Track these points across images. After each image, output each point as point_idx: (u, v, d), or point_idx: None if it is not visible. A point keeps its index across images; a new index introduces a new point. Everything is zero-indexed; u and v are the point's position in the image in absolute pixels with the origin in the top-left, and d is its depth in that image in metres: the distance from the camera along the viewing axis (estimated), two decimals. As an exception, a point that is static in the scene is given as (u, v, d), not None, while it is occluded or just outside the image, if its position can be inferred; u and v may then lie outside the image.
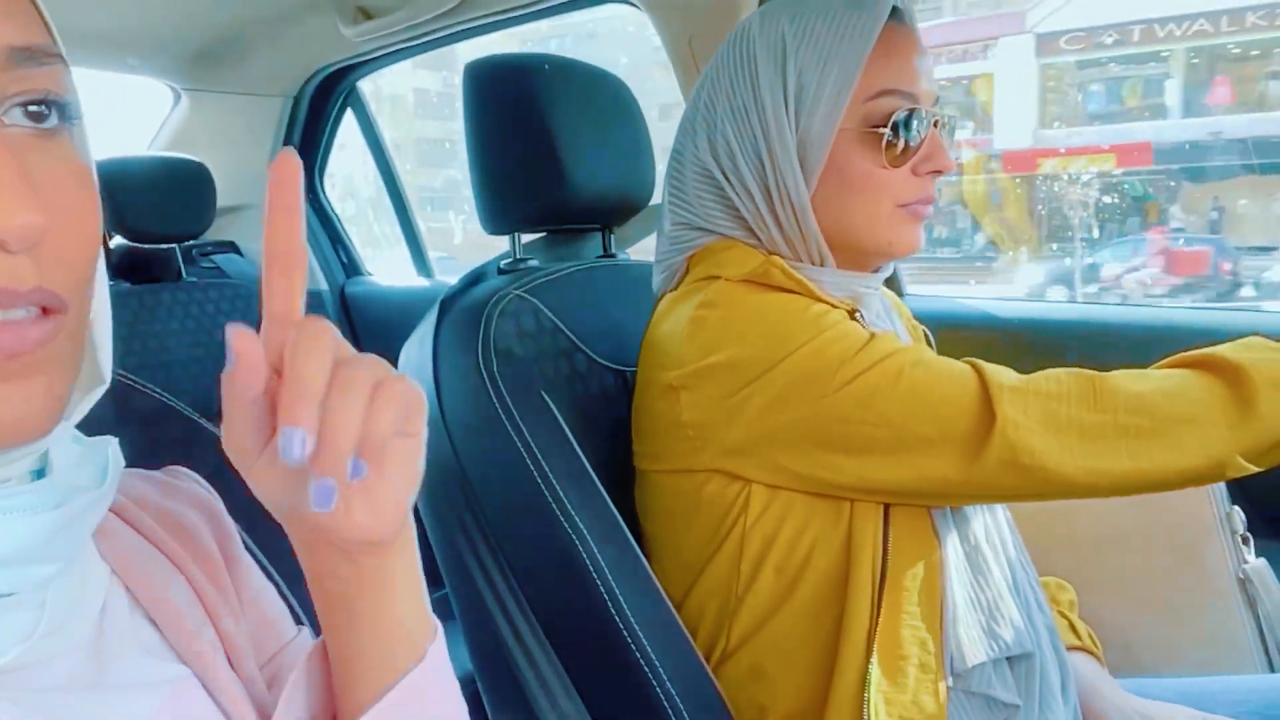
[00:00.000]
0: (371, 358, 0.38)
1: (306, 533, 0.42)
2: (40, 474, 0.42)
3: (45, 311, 0.37)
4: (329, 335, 0.36)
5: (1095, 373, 0.77)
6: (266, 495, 0.40)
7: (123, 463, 0.46)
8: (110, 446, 0.46)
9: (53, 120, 0.38)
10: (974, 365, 0.78)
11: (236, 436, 0.38)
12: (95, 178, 0.45)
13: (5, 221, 0.34)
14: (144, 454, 0.58)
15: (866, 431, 0.76)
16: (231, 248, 2.25)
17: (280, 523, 0.42)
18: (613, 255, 1.20)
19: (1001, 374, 0.76)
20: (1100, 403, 0.75)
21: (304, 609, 0.67)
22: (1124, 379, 0.76)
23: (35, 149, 0.37)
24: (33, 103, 0.38)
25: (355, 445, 0.36)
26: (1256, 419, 0.74)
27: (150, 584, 0.46)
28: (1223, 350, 0.77)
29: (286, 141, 2.13)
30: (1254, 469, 0.76)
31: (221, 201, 1.97)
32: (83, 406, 0.44)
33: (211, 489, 0.57)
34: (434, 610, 0.49)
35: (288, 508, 0.40)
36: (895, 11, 0.84)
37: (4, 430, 0.36)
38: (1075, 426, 0.74)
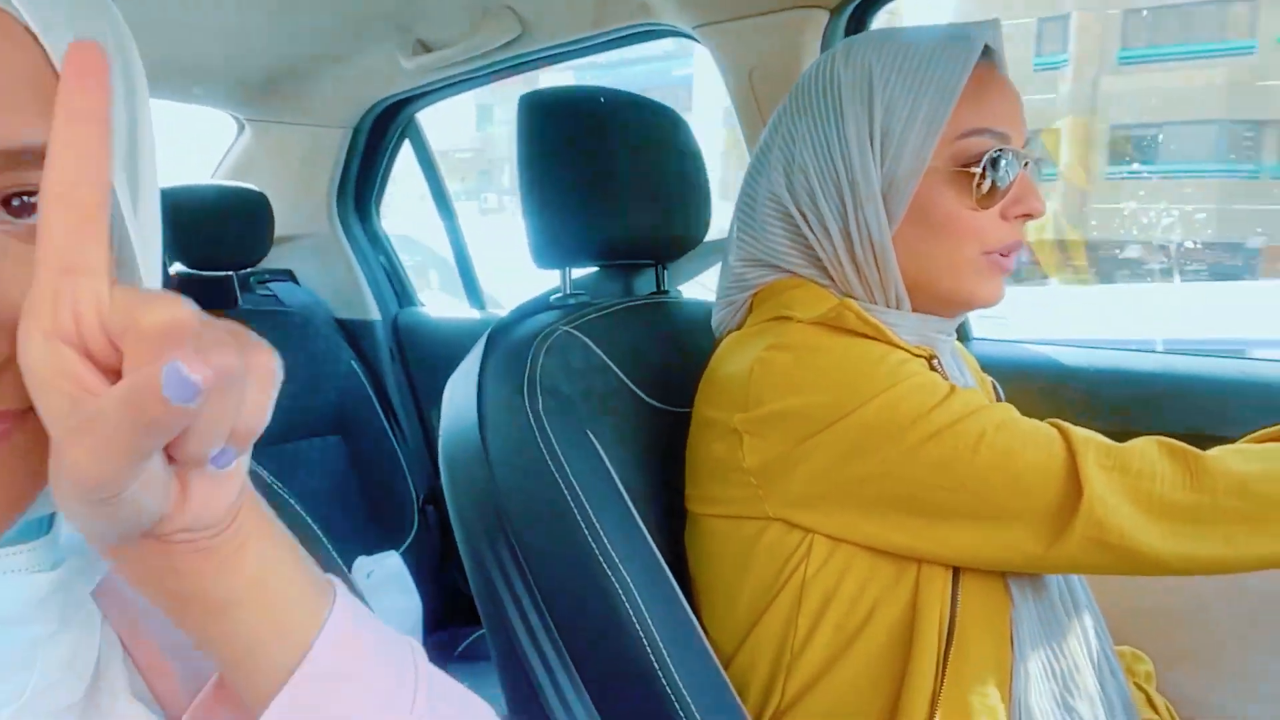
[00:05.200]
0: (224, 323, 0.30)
1: (134, 541, 0.32)
2: (49, 521, 0.40)
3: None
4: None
5: (1191, 449, 0.71)
6: (88, 475, 0.28)
7: None
8: None
9: (36, 216, 0.33)
10: (1061, 430, 0.72)
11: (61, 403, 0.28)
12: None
13: None
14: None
15: (942, 497, 0.72)
16: (288, 276, 2.27)
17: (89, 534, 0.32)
18: (665, 292, 1.17)
19: (1090, 444, 0.71)
20: (1197, 484, 0.69)
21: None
22: (1223, 458, 0.71)
23: (10, 252, 0.33)
24: (11, 197, 0.33)
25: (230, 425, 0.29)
26: None
27: (144, 634, 0.44)
28: None
29: (345, 172, 2.15)
30: None
31: (279, 231, 1.99)
32: None
33: None
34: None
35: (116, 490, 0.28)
36: (986, 49, 0.80)
37: None
38: (1168, 508, 0.69)
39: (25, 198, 0.33)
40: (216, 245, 1.88)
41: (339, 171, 2.14)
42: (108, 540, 0.31)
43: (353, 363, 2.09)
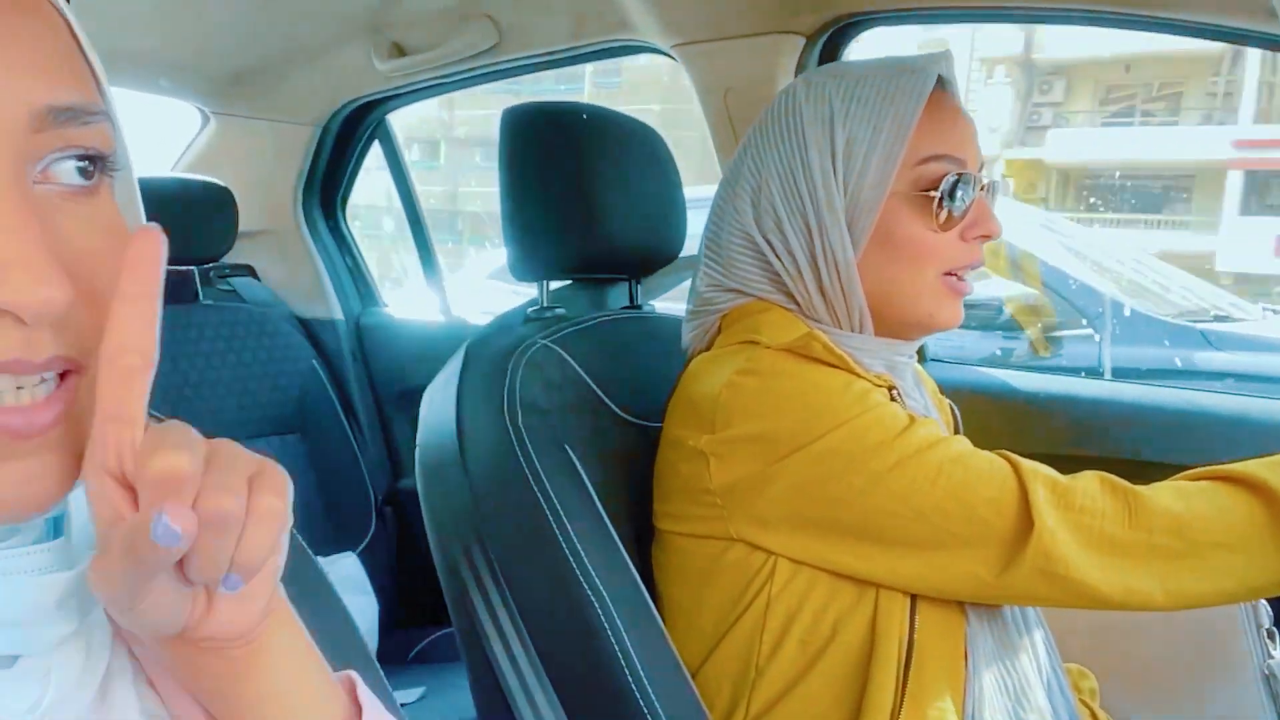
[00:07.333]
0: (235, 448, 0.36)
1: (164, 637, 0.38)
2: (59, 520, 0.41)
3: (63, 375, 0.36)
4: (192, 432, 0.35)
5: (1131, 487, 0.75)
6: (114, 596, 0.34)
7: None
8: None
9: (93, 179, 0.37)
10: (1012, 464, 0.76)
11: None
12: (142, 215, 0.44)
13: (23, 297, 0.32)
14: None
15: (900, 526, 0.75)
16: (249, 272, 2.25)
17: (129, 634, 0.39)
18: (638, 306, 1.19)
19: (1039, 477, 0.75)
20: (1135, 521, 0.73)
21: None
22: (1160, 496, 0.75)
23: (66, 210, 0.36)
24: (70, 158, 0.36)
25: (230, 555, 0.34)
26: None
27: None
28: (1264, 472, 0.75)
29: (312, 169, 2.13)
30: None
31: (243, 226, 1.97)
32: None
33: None
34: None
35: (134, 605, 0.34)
36: (940, 80, 0.84)
37: (15, 507, 0.35)
38: (1108, 543, 0.73)
39: (81, 162, 0.37)
40: (179, 239, 1.82)
41: (306, 169, 2.12)
42: (140, 635, 0.37)
43: (313, 361, 2.07)
